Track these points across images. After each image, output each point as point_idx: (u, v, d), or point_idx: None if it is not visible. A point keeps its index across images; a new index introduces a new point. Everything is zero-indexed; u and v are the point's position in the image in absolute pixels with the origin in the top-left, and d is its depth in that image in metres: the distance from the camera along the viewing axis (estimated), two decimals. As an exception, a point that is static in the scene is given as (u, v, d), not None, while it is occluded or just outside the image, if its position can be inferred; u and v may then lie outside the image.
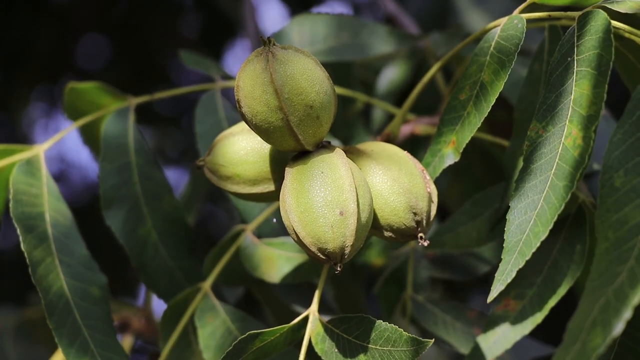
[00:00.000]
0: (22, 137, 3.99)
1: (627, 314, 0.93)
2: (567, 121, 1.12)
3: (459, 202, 1.70)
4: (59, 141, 1.53)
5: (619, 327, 0.93)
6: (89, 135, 1.66)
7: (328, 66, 1.22)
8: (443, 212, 1.82)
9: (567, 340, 0.99)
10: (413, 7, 2.39)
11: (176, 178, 4.06)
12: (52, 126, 4.18)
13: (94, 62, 4.07)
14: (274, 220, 1.50)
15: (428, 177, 1.24)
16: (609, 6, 1.15)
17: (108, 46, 4.09)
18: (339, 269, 1.14)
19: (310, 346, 1.22)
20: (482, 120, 1.21)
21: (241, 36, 3.59)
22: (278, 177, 1.24)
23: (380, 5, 2.17)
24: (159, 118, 4.06)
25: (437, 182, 1.27)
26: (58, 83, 3.97)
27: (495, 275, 1.13)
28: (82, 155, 4.27)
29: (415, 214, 1.19)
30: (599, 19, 1.13)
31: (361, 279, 1.77)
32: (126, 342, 1.97)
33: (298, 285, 1.58)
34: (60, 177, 4.14)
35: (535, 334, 1.28)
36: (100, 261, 1.45)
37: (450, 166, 1.26)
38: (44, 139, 1.50)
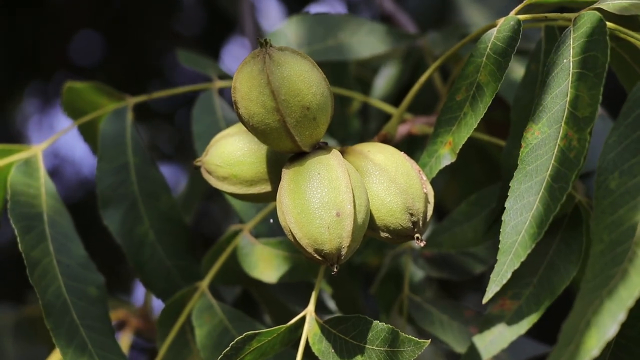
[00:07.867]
0: (15, 134, 3.98)
1: (621, 316, 0.94)
2: (563, 123, 1.12)
3: (456, 202, 1.70)
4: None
5: (612, 330, 0.93)
6: (88, 134, 1.66)
7: (325, 66, 1.22)
8: (440, 211, 1.82)
9: (562, 342, 0.99)
10: (411, 5, 2.38)
11: (170, 174, 4.06)
12: (46, 123, 4.17)
13: (88, 58, 4.06)
14: (271, 220, 1.50)
15: (424, 178, 1.24)
16: (604, 7, 1.15)
17: (102, 43, 4.08)
18: (335, 269, 1.14)
19: (307, 346, 1.22)
20: (478, 121, 1.21)
21: (239, 34, 3.58)
22: (275, 178, 1.25)
23: (378, 4, 2.17)
24: (152, 114, 4.05)
25: (434, 181, 1.27)
26: (52, 80, 3.96)
27: (491, 276, 1.14)
28: (76, 151, 4.26)
29: (411, 214, 1.19)
30: (594, 21, 1.13)
31: (358, 278, 1.77)
32: (125, 340, 1.98)
33: (295, 285, 1.58)
34: (54, 172, 4.12)
35: (531, 332, 1.28)
36: (94, 257, 1.45)
37: (447, 166, 1.26)
38: (37, 136, 1.51)
